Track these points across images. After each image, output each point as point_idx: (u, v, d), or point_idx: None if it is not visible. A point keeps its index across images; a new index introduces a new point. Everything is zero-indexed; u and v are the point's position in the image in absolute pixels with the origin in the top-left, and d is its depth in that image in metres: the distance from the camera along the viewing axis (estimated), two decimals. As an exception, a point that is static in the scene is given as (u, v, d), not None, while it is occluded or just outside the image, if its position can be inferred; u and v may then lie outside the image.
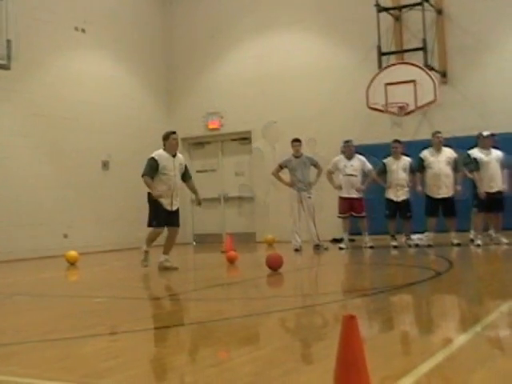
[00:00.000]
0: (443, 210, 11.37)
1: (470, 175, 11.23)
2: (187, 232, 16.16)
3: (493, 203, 11.07)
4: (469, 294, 6.25)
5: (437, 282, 6.98)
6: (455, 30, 13.78)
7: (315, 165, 11.97)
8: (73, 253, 11.05)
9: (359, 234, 12.20)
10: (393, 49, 13.93)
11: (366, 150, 12.65)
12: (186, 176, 9.47)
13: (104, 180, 14.94)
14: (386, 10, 13.82)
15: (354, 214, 11.92)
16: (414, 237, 11.71)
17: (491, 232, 11.37)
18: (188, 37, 16.77)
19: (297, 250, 11.61)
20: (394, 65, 13.27)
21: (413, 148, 12.05)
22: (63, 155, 13.99)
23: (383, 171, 11.91)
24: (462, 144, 11.64)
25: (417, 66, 12.87)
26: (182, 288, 7.92)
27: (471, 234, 11.45)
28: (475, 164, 11.14)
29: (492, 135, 11.36)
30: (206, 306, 6.04)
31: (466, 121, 13.16)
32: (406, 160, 11.84)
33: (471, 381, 3.10)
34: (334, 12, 14.90)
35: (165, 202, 9.06)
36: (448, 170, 11.34)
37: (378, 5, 13.53)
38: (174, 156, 9.22)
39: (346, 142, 12.17)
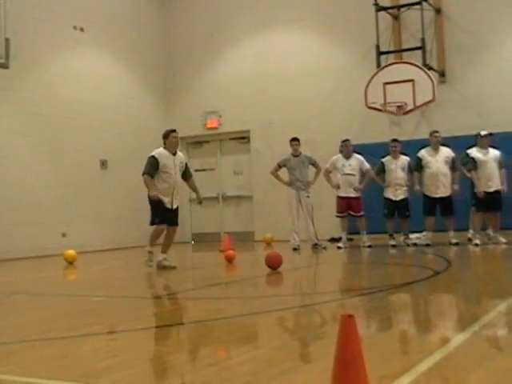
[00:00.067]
0: (441, 209, 11.38)
1: (468, 174, 11.23)
2: (185, 231, 16.17)
3: (491, 202, 11.07)
4: (467, 294, 6.25)
5: (435, 281, 6.99)
6: (454, 29, 13.79)
7: (314, 164, 11.98)
8: (71, 252, 11.05)
9: (357, 233, 12.21)
10: (391, 48, 13.95)
11: (365, 150, 12.66)
12: (186, 174, 9.47)
13: (102, 179, 14.94)
14: (385, 9, 13.84)
15: (351, 213, 11.93)
16: (413, 236, 11.72)
17: (489, 231, 11.38)
18: (187, 35, 16.76)
19: (295, 249, 11.61)
20: (392, 64, 13.28)
21: (411, 147, 12.05)
22: (62, 154, 13.98)
23: (382, 170, 11.91)
24: (460, 143, 11.65)
25: (415, 65, 12.88)
26: (180, 287, 7.92)
27: (469, 234, 11.46)
28: (473, 163, 11.14)
29: (490, 135, 11.36)
30: (204, 304, 6.04)
31: (464, 120, 13.18)
32: (405, 159, 11.85)
33: (469, 380, 3.11)
34: (332, 11, 14.91)
35: (165, 200, 9.07)
36: (446, 170, 11.34)
37: (376, 4, 13.54)
38: (175, 154, 9.22)
39: (344, 141, 12.17)
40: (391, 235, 11.76)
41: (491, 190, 11.11)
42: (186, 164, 9.52)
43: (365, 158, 12.07)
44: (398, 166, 11.79)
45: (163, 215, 9.09)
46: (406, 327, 4.80)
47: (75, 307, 6.22)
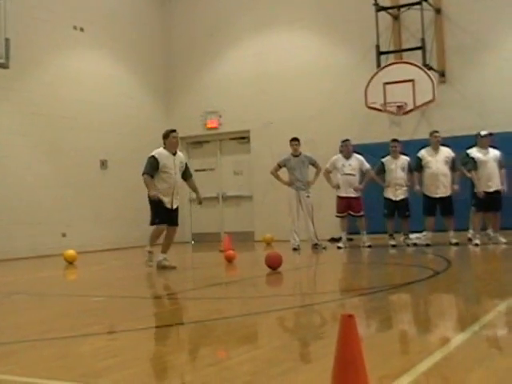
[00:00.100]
0: (441, 209, 11.38)
1: (468, 174, 11.23)
2: (185, 231, 16.18)
3: (491, 202, 11.07)
4: (467, 294, 6.25)
5: (435, 281, 6.98)
6: (454, 29, 13.79)
7: (314, 164, 11.98)
8: (71, 252, 11.05)
9: (357, 233, 12.21)
10: (391, 48, 13.95)
11: (365, 150, 12.67)
12: (186, 174, 9.47)
13: (102, 179, 14.94)
14: (385, 9, 13.84)
15: (351, 213, 11.93)
16: (413, 236, 11.72)
17: (489, 231, 11.38)
18: (187, 35, 16.76)
19: (295, 249, 11.61)
20: (392, 64, 13.28)
21: (411, 147, 12.05)
22: (62, 154, 13.99)
23: (382, 170, 11.91)
24: (460, 143, 11.65)
25: (415, 65, 12.88)
26: (180, 287, 7.92)
27: (469, 234, 11.46)
28: (473, 163, 11.14)
29: (490, 135, 11.36)
30: (204, 304, 6.04)
31: (464, 120, 13.19)
32: (405, 159, 11.85)
33: (469, 380, 3.11)
34: (332, 11, 14.91)
35: (165, 200, 9.07)
36: (446, 170, 11.34)
37: (376, 4, 13.54)
38: (175, 154, 9.22)
39: (344, 141, 12.17)
40: (391, 235, 11.76)
41: (491, 190, 11.10)
42: (186, 164, 9.52)
43: (365, 158, 12.07)
44: (398, 165, 11.79)
45: (163, 215, 9.09)
46: (405, 327, 4.80)
47: (75, 307, 6.22)
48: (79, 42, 14.65)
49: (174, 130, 9.34)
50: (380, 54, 13.49)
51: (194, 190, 9.72)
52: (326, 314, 5.31)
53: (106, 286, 8.03)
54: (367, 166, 11.97)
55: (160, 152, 9.14)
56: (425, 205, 11.44)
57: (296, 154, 11.93)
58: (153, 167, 9.02)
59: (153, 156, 9.10)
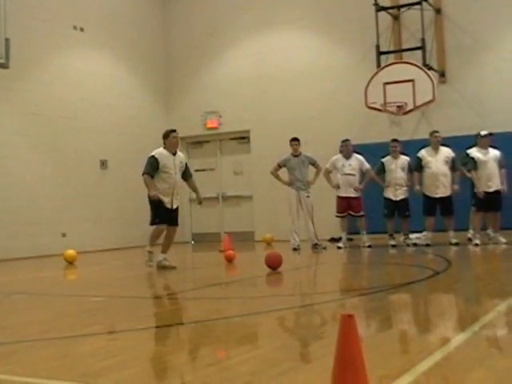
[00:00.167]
0: (441, 209, 11.38)
1: (468, 174, 11.23)
2: (185, 231, 16.18)
3: (491, 202, 11.07)
4: (467, 293, 6.25)
5: (435, 281, 6.98)
6: (453, 29, 13.79)
7: (314, 164, 11.97)
8: (71, 252, 11.06)
9: (357, 233, 12.21)
10: (391, 48, 13.95)
11: (365, 150, 12.67)
12: (186, 174, 9.47)
13: (102, 179, 14.94)
14: (385, 9, 13.84)
15: (351, 213, 11.93)
16: (413, 236, 11.72)
17: (489, 231, 11.38)
18: (186, 35, 16.76)
19: (295, 249, 11.61)
20: (392, 64, 13.28)
21: (411, 147, 12.05)
22: (62, 154, 13.99)
23: (382, 170, 11.91)
24: (460, 143, 11.65)
25: (415, 65, 12.88)
26: (180, 287, 7.92)
27: (469, 234, 11.45)
28: (473, 163, 11.14)
29: (490, 134, 11.36)
30: (204, 304, 6.04)
31: (464, 120, 13.19)
32: (405, 159, 11.85)
33: (469, 380, 3.11)
34: (332, 11, 14.90)
35: (165, 200, 9.07)
36: (446, 170, 11.34)
37: (376, 4, 13.54)
38: (175, 154, 9.22)
39: (344, 141, 12.17)
40: (391, 235, 11.76)
41: (491, 189, 11.10)
42: (186, 164, 9.52)
43: (365, 158, 12.07)
44: (398, 165, 11.79)
45: (163, 215, 9.09)
46: (405, 327, 4.80)
47: (75, 307, 6.23)
48: (79, 41, 14.65)
49: (174, 130, 9.35)
50: (380, 53, 13.49)
51: (194, 190, 9.72)
52: (326, 313, 5.31)
53: (105, 286, 8.03)
54: (367, 165, 11.97)
55: (160, 152, 9.14)
56: (425, 205, 11.44)
57: (296, 154, 11.92)
58: (153, 167, 9.02)
59: (153, 156, 9.10)
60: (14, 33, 11.57)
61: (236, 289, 7.43)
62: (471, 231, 11.42)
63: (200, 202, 9.81)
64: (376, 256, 10.84)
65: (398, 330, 4.70)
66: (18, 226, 12.90)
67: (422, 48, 13.21)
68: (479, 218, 11.27)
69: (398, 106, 12.87)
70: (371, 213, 12.10)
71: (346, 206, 11.90)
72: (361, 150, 12.48)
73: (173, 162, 9.15)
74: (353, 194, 11.88)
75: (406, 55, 13.76)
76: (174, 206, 9.22)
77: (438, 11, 13.90)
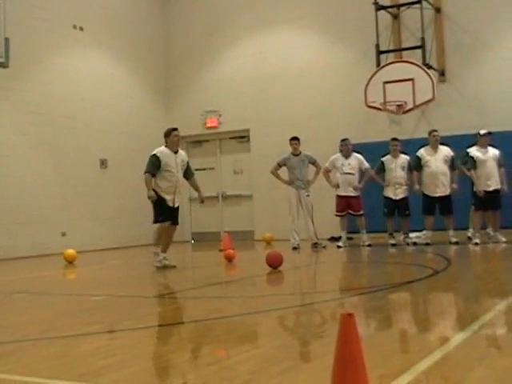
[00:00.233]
0: (440, 208, 11.38)
1: (467, 173, 11.24)
2: (185, 230, 16.18)
3: (490, 201, 11.08)
4: (466, 293, 6.26)
5: (435, 280, 6.99)
6: (453, 28, 13.79)
7: (314, 163, 11.97)
8: (71, 251, 11.06)
9: (357, 232, 12.20)
10: (391, 47, 13.94)
11: (364, 149, 12.66)
12: (188, 173, 9.47)
13: (102, 178, 14.94)
14: (385, 8, 13.83)
15: (351, 212, 11.93)
16: (412, 235, 11.72)
17: (489, 230, 11.38)
18: (186, 35, 16.75)
19: (295, 249, 11.61)
20: (392, 63, 13.27)
21: (411, 146, 12.05)
22: (61, 153, 13.98)
23: (381, 169, 11.91)
24: (459, 142, 11.65)
25: (415, 64, 12.87)
26: (180, 286, 7.92)
27: (469, 233, 11.45)
28: (472, 162, 11.15)
29: (489, 134, 11.36)
30: (204, 304, 6.05)
31: (463, 119, 13.19)
32: (404, 158, 11.85)
33: (469, 379, 3.11)
34: (332, 10, 14.89)
35: (168, 199, 9.07)
36: (445, 169, 11.34)
37: (376, 3, 13.53)
38: (176, 152, 9.22)
39: (344, 140, 12.16)
40: (391, 234, 11.76)
41: (490, 188, 11.11)
42: (188, 162, 9.51)
43: (364, 157, 12.07)
44: (397, 165, 11.79)
45: (166, 213, 9.09)
46: (405, 326, 4.80)
47: (75, 306, 6.23)
48: (79, 41, 14.64)
49: (176, 129, 9.34)
50: (380, 52, 13.48)
51: (196, 188, 9.72)
52: (326, 313, 5.31)
53: (105, 285, 8.04)
54: (366, 165, 11.97)
55: (162, 150, 9.14)
56: (424, 204, 11.44)
57: (296, 153, 11.92)
58: (154, 166, 9.02)
59: (154, 155, 9.10)
60: (14, 32, 11.57)
61: (236, 288, 7.44)
62: (471, 230, 11.41)
63: (202, 201, 9.79)
64: (376, 255, 10.84)
65: (398, 329, 4.71)
66: (18, 226, 12.90)
67: (422, 47, 13.20)
68: (479, 216, 11.27)
69: (398, 105, 12.87)
70: (371, 212, 12.10)
71: (345, 205, 11.90)
72: (360, 149, 12.48)
73: (174, 161, 9.15)
74: (352, 193, 11.88)
75: (405, 54, 13.76)
76: (176, 205, 9.23)
77: (437, 10, 13.90)
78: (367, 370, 2.67)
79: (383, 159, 11.91)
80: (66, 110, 14.09)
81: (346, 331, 2.66)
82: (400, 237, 11.78)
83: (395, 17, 14.22)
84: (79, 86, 14.47)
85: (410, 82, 12.66)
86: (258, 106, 15.69)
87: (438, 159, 11.36)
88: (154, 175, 9.02)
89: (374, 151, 12.44)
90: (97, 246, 14.18)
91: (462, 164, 11.31)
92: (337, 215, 12.12)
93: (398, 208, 11.76)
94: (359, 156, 12.06)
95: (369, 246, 11.72)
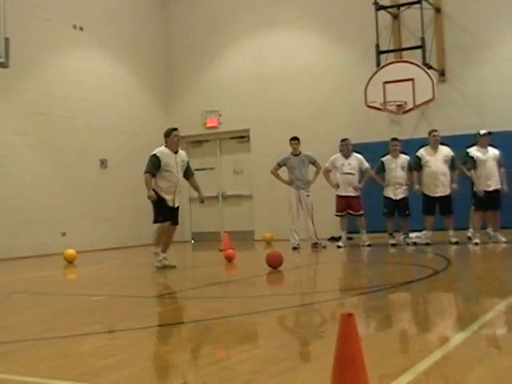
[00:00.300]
0: (440, 208, 11.38)
1: (467, 173, 11.24)
2: (185, 230, 16.17)
3: (490, 201, 11.08)
4: (466, 293, 6.26)
5: (435, 280, 6.99)
6: (453, 28, 13.79)
7: (314, 163, 11.97)
8: (71, 251, 11.06)
9: (357, 232, 12.20)
10: (391, 47, 13.94)
11: (364, 149, 12.65)
12: (188, 173, 9.47)
13: (102, 178, 14.94)
14: (385, 8, 13.83)
15: (351, 212, 11.93)
16: (412, 235, 11.72)
17: (489, 230, 11.38)
18: (186, 35, 16.75)
19: (295, 249, 11.61)
20: (392, 63, 13.27)
21: (411, 146, 12.05)
22: (61, 153, 13.98)
23: (381, 169, 11.91)
24: (459, 142, 11.65)
25: (415, 64, 12.87)
26: (180, 286, 7.92)
27: (469, 233, 11.45)
28: (472, 162, 11.15)
29: (489, 134, 11.36)
30: (204, 304, 6.05)
31: (463, 119, 13.19)
32: (404, 158, 11.85)
33: (469, 379, 3.11)
34: (332, 10, 14.89)
35: (168, 198, 9.07)
36: (445, 169, 11.34)
37: (376, 3, 13.53)
38: (176, 152, 9.22)
39: (344, 140, 12.16)
40: (391, 234, 11.76)
41: (490, 188, 11.11)
42: (188, 162, 9.51)
43: (364, 157, 12.07)
44: (397, 165, 11.79)
45: (166, 213, 9.10)
46: (405, 326, 4.80)
47: (75, 306, 6.23)
48: (79, 41, 14.64)
49: (176, 129, 9.34)
50: (380, 52, 13.48)
51: (196, 188, 9.72)
52: (326, 313, 5.31)
53: (105, 285, 8.04)
54: (366, 165, 11.97)
55: (162, 150, 9.14)
56: (424, 204, 11.44)
57: (296, 153, 11.92)
58: (155, 166, 9.02)
59: (154, 155, 9.10)
60: (14, 32, 11.57)
61: (236, 288, 7.44)
62: (471, 230, 11.41)
63: (202, 201, 9.78)
64: (376, 255, 10.84)
65: (398, 329, 4.71)
66: (18, 226, 12.90)
67: (422, 47, 13.20)
68: (479, 216, 11.27)
69: (398, 105, 12.87)
70: (371, 212, 12.10)
71: (345, 205, 11.90)
72: (360, 149, 12.47)
73: (174, 161, 9.15)
74: (352, 193, 11.88)
75: (405, 54, 13.76)
76: (176, 205, 9.23)
77: (437, 10, 13.90)
78: (367, 370, 2.67)
79: (383, 159, 11.91)
80: (65, 109, 14.09)
81: (345, 331, 2.66)
82: (400, 237, 11.78)
83: (395, 17, 14.22)
84: (79, 86, 14.47)
85: (410, 82, 12.66)
86: (257, 106, 15.69)
87: (438, 159, 11.36)
88: (154, 175, 9.02)
89: (374, 151, 12.44)
90: (97, 246, 14.18)
91: (462, 164, 11.31)
92: (337, 215, 12.11)
93: (398, 208, 11.76)
94: (359, 156, 12.06)
95: (369, 246, 11.72)
